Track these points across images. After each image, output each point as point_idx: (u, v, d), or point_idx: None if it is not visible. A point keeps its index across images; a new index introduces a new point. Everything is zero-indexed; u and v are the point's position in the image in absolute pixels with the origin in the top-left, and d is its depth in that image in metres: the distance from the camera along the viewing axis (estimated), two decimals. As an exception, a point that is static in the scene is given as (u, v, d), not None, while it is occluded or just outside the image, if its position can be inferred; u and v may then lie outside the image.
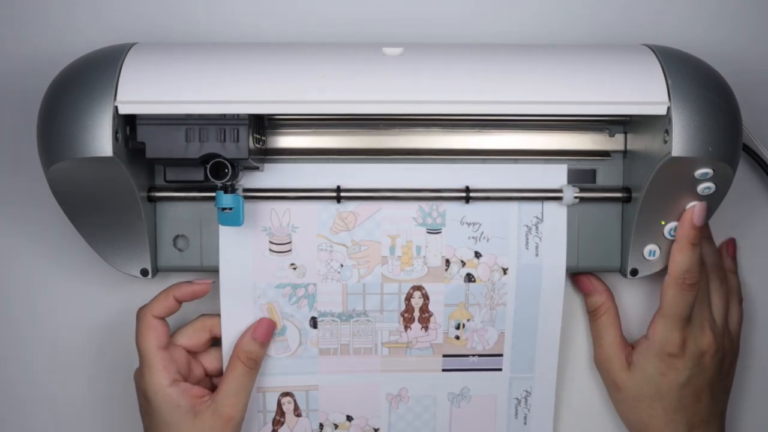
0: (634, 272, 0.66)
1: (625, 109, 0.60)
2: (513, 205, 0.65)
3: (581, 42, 0.70)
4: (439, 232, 0.65)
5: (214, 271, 0.67)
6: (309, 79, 0.59)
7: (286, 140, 0.67)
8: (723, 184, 0.61)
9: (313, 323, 0.66)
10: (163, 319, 0.64)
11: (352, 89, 0.59)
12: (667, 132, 0.59)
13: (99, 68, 0.59)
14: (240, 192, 0.62)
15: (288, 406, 0.68)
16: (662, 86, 0.59)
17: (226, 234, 0.64)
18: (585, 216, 0.67)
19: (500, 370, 0.68)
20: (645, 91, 0.59)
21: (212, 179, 0.61)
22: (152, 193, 0.65)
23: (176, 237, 0.67)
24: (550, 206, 0.65)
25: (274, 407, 0.68)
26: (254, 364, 0.65)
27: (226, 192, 0.61)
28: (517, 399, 0.69)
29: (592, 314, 0.69)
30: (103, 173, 0.59)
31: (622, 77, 0.60)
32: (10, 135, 0.69)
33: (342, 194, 0.65)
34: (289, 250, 0.65)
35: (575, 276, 0.70)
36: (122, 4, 0.69)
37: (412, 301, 0.66)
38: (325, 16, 0.70)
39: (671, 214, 0.63)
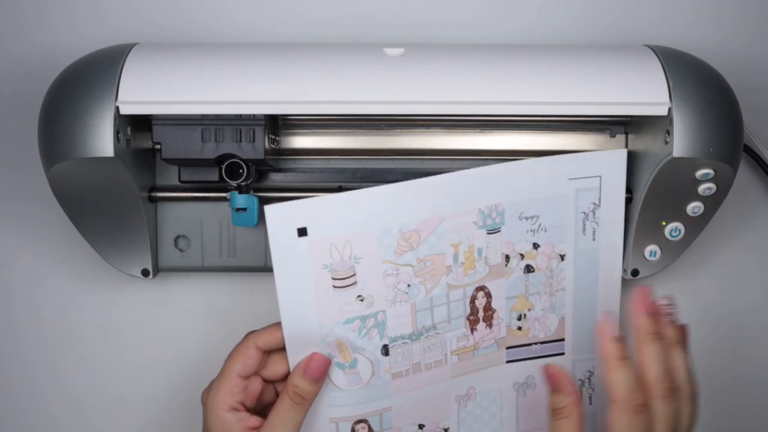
0: (635, 273, 0.66)
1: (626, 109, 0.60)
2: (571, 193, 0.64)
3: (582, 43, 0.70)
4: (499, 231, 0.64)
5: (214, 270, 0.67)
6: (311, 79, 0.59)
7: (295, 141, 0.67)
8: (724, 185, 0.61)
9: (385, 351, 0.64)
10: (263, 352, 0.62)
11: (354, 90, 0.59)
12: (668, 133, 0.59)
13: (100, 69, 0.59)
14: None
15: None
16: (663, 87, 0.59)
17: (284, 276, 0.60)
18: (586, 216, 0.67)
19: (563, 354, 0.68)
20: (646, 92, 0.59)
21: (227, 180, 0.61)
22: (153, 194, 0.65)
23: (177, 237, 0.67)
24: (608, 190, 0.64)
25: None
26: (301, 401, 0.61)
27: (240, 192, 0.62)
28: (581, 381, 0.69)
29: (552, 413, 0.61)
30: (105, 173, 0.59)
31: (623, 78, 0.60)
32: (10, 135, 0.69)
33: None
34: (354, 283, 0.61)
35: (546, 366, 0.62)
36: (122, 4, 0.69)
37: (476, 302, 0.65)
38: (324, 17, 0.70)
39: (672, 214, 0.63)
